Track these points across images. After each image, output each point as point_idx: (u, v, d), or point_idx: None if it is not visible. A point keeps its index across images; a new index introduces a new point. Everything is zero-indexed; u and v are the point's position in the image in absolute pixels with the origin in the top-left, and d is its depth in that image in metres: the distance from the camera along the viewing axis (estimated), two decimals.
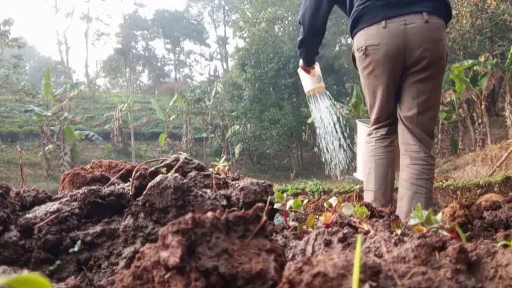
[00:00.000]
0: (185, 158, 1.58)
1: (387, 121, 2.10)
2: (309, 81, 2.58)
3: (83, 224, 1.36)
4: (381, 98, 2.01)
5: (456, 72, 13.33)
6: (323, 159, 2.67)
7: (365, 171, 2.15)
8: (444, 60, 1.94)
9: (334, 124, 2.50)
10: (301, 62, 2.56)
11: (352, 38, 2.08)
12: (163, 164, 1.55)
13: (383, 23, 1.85)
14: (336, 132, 2.51)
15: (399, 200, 2.04)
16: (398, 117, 2.05)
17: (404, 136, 2.03)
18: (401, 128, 2.05)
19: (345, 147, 2.59)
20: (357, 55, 2.01)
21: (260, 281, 0.60)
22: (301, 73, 2.60)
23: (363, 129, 2.36)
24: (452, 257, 0.67)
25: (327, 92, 2.63)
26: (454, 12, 14.01)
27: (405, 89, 1.98)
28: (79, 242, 1.26)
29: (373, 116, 2.13)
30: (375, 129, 2.13)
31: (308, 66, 2.50)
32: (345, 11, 2.13)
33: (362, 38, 1.94)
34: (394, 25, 1.83)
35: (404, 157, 2.04)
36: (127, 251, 1.20)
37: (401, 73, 1.97)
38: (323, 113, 2.50)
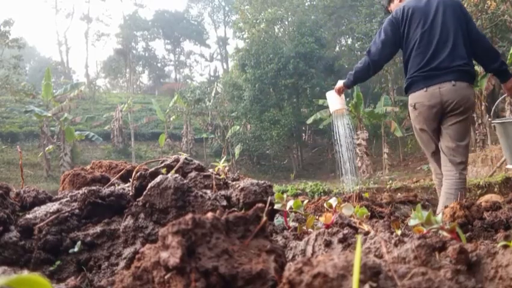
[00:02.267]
0: (186, 158, 1.58)
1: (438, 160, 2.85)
2: (338, 101, 3.19)
3: (83, 224, 1.36)
4: (429, 136, 2.83)
5: None
6: (341, 169, 3.34)
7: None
8: (468, 107, 2.73)
9: (349, 142, 3.27)
10: (339, 84, 3.20)
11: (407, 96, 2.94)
12: (163, 164, 1.55)
13: (424, 88, 2.72)
14: (349, 147, 3.27)
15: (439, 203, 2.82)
16: (440, 148, 2.83)
17: (443, 161, 2.83)
18: (442, 156, 2.84)
19: (353, 160, 3.32)
20: (410, 109, 2.87)
21: (260, 281, 0.60)
22: (332, 94, 3.24)
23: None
24: (452, 257, 0.67)
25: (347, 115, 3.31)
26: None
27: (446, 130, 2.78)
28: (79, 243, 1.26)
29: (431, 157, 2.93)
30: (436, 168, 2.90)
31: (347, 89, 3.21)
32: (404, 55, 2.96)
33: (413, 99, 2.81)
34: (432, 89, 2.69)
35: (443, 173, 2.84)
36: (127, 251, 1.20)
37: (441, 119, 2.77)
38: (343, 130, 3.24)
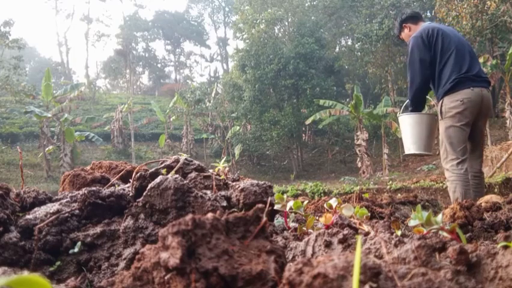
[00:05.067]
0: (186, 159, 1.58)
1: (465, 156, 3.22)
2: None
3: (83, 225, 1.36)
4: (464, 133, 3.21)
5: None
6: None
7: (455, 192, 3.19)
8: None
9: None
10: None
11: (442, 98, 3.28)
12: (163, 165, 1.55)
13: (471, 88, 3.20)
14: None
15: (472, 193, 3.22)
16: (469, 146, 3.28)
17: (470, 160, 3.29)
18: (470, 155, 3.30)
19: None
20: (453, 105, 3.22)
21: (260, 282, 0.60)
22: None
23: (404, 117, 3.56)
24: (452, 258, 0.67)
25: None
26: (454, 13, 14.02)
27: (475, 129, 3.29)
28: (79, 243, 1.26)
29: (456, 154, 3.21)
30: (459, 163, 3.20)
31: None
32: (434, 73, 3.37)
33: (460, 95, 3.21)
34: (477, 90, 3.21)
35: (469, 172, 3.26)
36: (127, 252, 1.20)
37: (474, 119, 3.24)
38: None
